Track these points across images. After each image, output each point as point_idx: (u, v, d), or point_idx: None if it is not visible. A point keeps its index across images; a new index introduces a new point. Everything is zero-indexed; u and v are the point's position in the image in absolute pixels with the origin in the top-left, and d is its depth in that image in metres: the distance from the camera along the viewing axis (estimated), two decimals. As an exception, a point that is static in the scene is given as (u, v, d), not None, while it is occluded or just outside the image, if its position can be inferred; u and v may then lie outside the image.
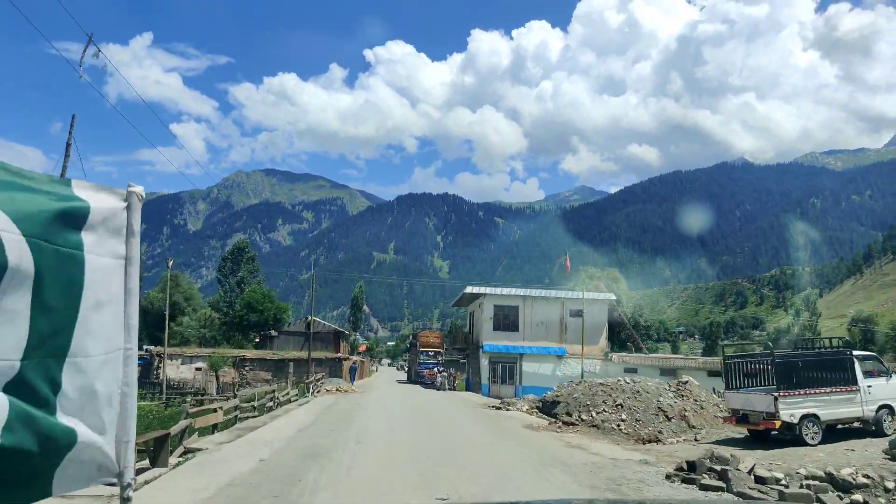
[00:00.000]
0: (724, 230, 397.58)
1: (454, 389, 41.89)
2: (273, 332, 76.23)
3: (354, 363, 51.73)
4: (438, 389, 42.06)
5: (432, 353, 54.21)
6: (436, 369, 53.17)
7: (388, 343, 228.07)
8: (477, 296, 43.04)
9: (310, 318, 76.41)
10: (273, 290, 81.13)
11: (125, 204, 2.52)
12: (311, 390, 35.23)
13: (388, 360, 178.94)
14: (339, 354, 66.10)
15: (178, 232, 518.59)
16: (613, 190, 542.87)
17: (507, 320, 41.75)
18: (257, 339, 73.20)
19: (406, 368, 74.22)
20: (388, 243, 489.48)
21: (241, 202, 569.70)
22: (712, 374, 40.74)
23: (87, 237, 2.33)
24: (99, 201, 2.42)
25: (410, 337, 65.37)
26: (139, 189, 2.58)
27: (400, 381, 60.83)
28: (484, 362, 41.62)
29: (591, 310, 41.39)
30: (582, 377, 32.26)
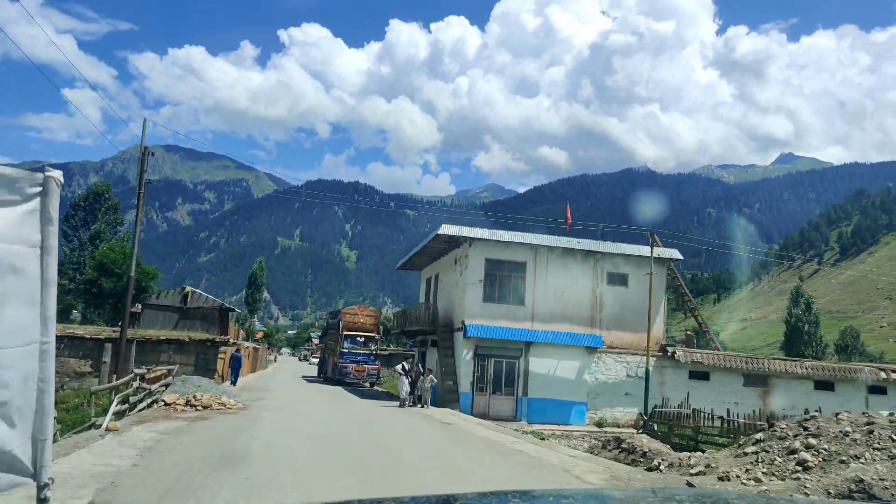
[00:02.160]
0: (627, 235, 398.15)
1: (423, 405, 23.20)
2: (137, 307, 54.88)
3: (238, 350, 32.06)
4: (403, 404, 23.23)
5: (362, 340, 35.35)
6: (368, 363, 34.38)
7: (289, 332, 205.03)
8: (455, 242, 24.66)
9: (187, 287, 55.58)
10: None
11: (39, 189, 2.32)
12: (131, 405, 15.55)
13: (289, 350, 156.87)
14: (222, 337, 45.66)
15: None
16: (522, 189, 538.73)
17: (505, 287, 23.90)
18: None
19: (318, 360, 53.88)
20: (294, 229, 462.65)
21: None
22: (820, 385, 24.31)
23: None
24: (7, 186, 2.16)
25: (327, 316, 45.31)
26: (57, 174, 2.39)
27: (309, 379, 41.56)
28: (465, 354, 23.37)
29: (638, 276, 24.21)
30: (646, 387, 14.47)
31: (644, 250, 24.61)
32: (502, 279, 24.36)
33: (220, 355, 33.15)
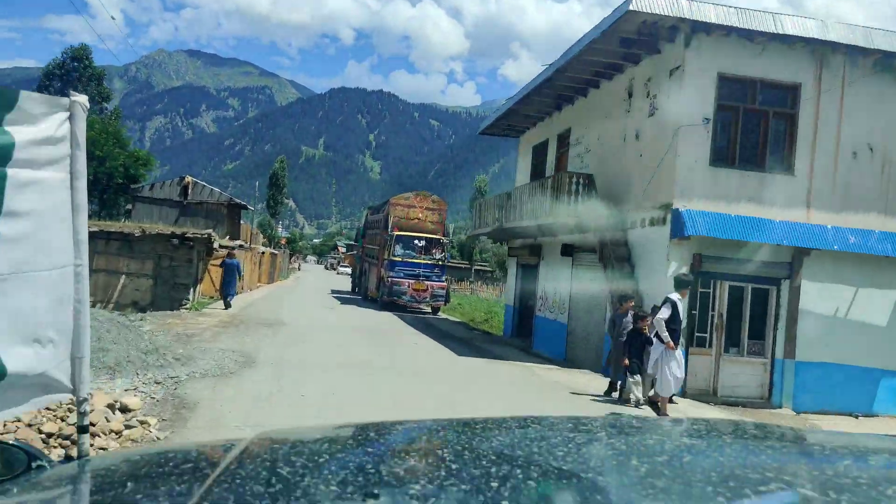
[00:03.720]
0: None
1: (635, 398, 9.57)
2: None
3: (231, 256, 19.45)
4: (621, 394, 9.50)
5: (422, 243, 22.78)
6: (432, 278, 22.11)
7: (315, 240, 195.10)
8: (633, 57, 11.23)
9: (187, 178, 43.26)
10: (126, 132, 46.12)
11: (67, 114, 2.24)
12: None
13: (315, 258, 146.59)
14: (198, 233, 33.63)
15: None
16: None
17: (751, 137, 11.14)
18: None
19: (352, 271, 41.70)
20: (318, 138, 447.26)
21: (161, 83, 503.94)
22: None
23: (19, 152, 2.05)
24: (25, 107, 2.10)
25: (367, 213, 31.84)
26: (83, 98, 2.30)
27: (342, 297, 29.60)
28: (669, 271, 10.73)
29: None
30: None
31: None
32: (748, 120, 11.40)
33: (212, 262, 21.12)
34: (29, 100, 2.13)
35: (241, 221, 52.89)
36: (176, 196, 43.93)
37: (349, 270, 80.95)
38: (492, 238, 20.14)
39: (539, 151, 18.65)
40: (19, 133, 2.06)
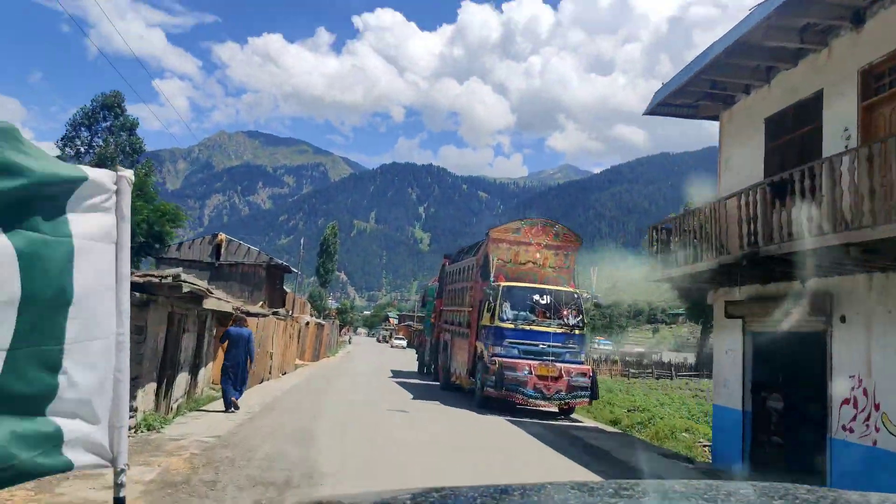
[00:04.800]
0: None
1: None
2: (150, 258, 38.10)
3: (240, 324, 11.63)
4: None
5: (547, 302, 13.96)
6: (568, 359, 13.09)
7: (365, 312, 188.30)
8: None
9: (220, 235, 36.83)
10: (154, 184, 39.72)
11: (115, 188, 2.33)
12: None
13: (365, 330, 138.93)
14: (268, 310, 25.68)
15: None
16: (598, 170, 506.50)
17: None
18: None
19: (417, 345, 32.31)
20: (369, 212, 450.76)
21: (221, 163, 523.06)
22: None
23: (75, 223, 2.14)
24: (89, 185, 2.22)
25: (445, 262, 22.35)
26: (128, 173, 2.40)
27: (407, 383, 20.80)
28: None
29: None
30: None
31: None
32: None
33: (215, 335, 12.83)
34: (76, 171, 2.19)
35: (285, 288, 45.35)
36: (207, 256, 36.63)
37: (404, 343, 72.30)
38: (692, 282, 11.03)
39: (784, 123, 9.97)
40: (79, 205, 2.16)
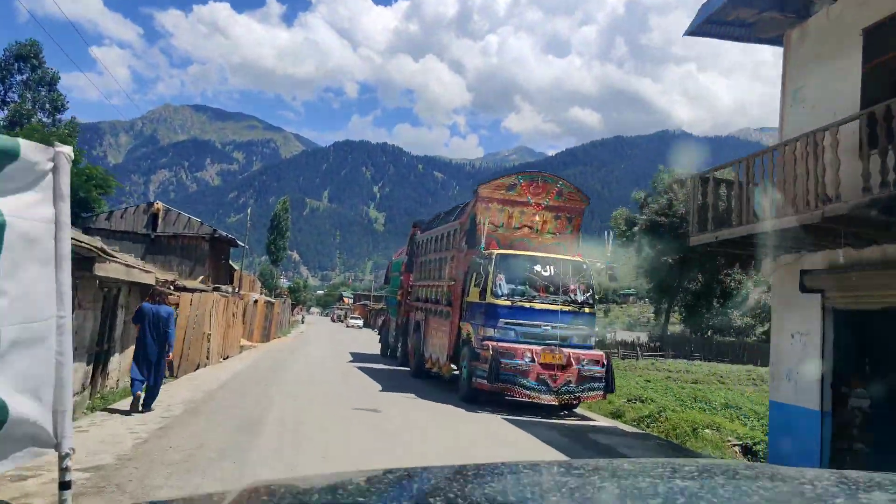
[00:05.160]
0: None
1: None
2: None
3: (158, 300, 8.58)
4: None
5: (550, 274, 11.23)
6: (576, 344, 10.44)
7: (319, 292, 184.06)
8: None
9: (157, 204, 33.11)
10: (78, 145, 35.25)
11: (51, 165, 2.24)
12: None
13: (319, 310, 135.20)
14: (208, 286, 22.26)
15: (95, 164, 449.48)
16: (553, 152, 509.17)
17: None
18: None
19: (380, 326, 28.95)
20: (322, 190, 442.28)
21: (167, 137, 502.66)
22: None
23: (7, 201, 2.06)
24: (22, 161, 2.12)
25: (416, 231, 19.62)
26: (67, 149, 2.31)
27: (371, 368, 18.03)
28: None
29: None
30: None
31: None
32: None
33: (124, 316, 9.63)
34: (28, 149, 2.12)
35: (233, 264, 41.60)
36: (142, 227, 32.78)
37: (360, 322, 69.01)
38: (762, 245, 8.37)
39: (893, 33, 7.47)
40: (11, 182, 2.04)
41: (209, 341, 15.86)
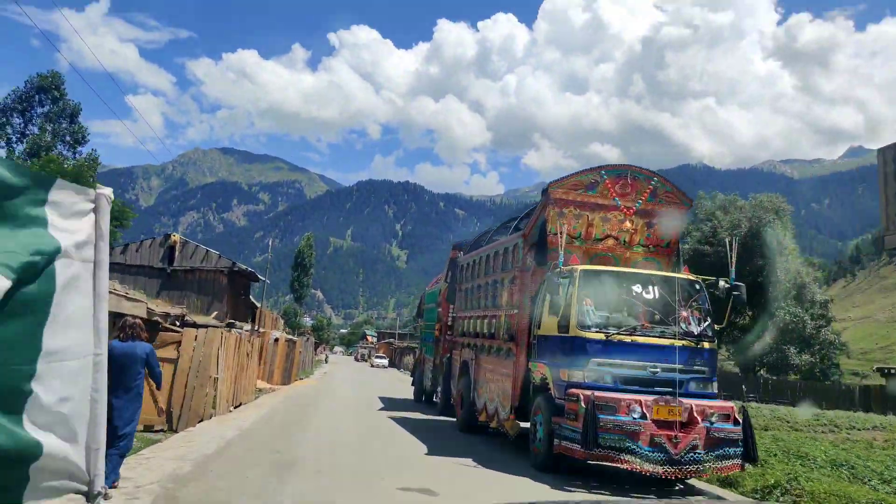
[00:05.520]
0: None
1: None
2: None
3: (132, 335, 6.29)
4: None
5: (655, 297, 8.34)
6: (692, 388, 7.35)
7: (342, 330, 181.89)
8: None
9: (174, 236, 31.05)
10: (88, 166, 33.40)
11: (93, 206, 2.31)
12: None
13: (342, 348, 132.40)
14: (221, 321, 19.69)
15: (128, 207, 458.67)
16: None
17: None
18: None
19: (414, 366, 25.62)
20: (345, 229, 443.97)
21: (196, 180, 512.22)
22: None
23: (60, 236, 2.12)
24: (67, 205, 2.20)
25: (458, 253, 16.83)
26: (108, 191, 2.38)
27: (407, 418, 15.08)
28: None
29: None
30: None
31: None
32: None
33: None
34: (61, 189, 2.17)
35: (255, 301, 39.21)
36: (158, 261, 30.62)
37: (385, 362, 65.79)
38: None
39: None
40: (57, 222, 2.12)
41: (216, 387, 13.14)
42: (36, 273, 1.97)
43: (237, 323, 20.28)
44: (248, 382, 16.57)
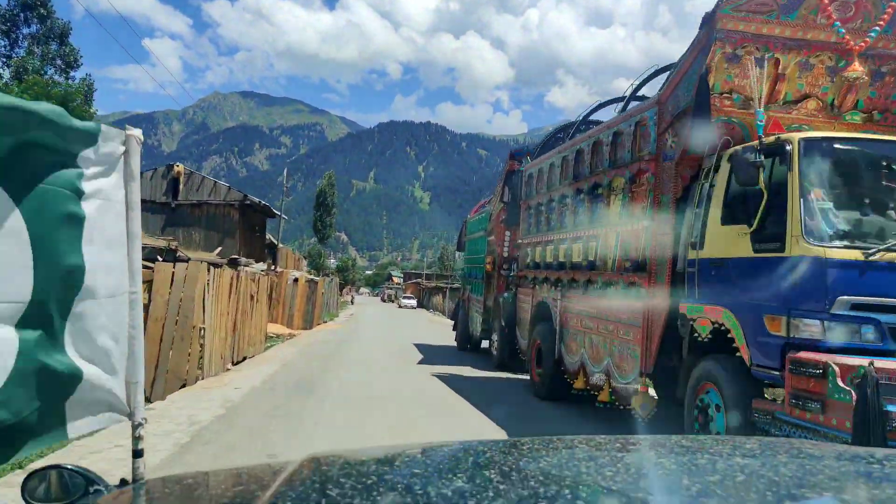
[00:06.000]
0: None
1: None
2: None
3: None
4: None
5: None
6: None
7: (367, 272, 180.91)
8: None
9: (177, 166, 27.54)
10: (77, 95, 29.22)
11: (123, 148, 2.32)
12: None
13: (368, 289, 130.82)
14: (216, 257, 16.12)
15: (151, 153, 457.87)
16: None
17: None
18: None
19: (455, 309, 21.82)
20: (368, 171, 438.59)
21: (217, 124, 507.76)
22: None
23: (86, 181, 2.15)
24: (100, 144, 2.21)
25: (520, 160, 13.60)
26: (137, 132, 2.39)
27: (459, 377, 11.81)
28: None
29: None
30: None
31: None
32: None
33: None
34: (105, 133, 2.20)
35: (275, 240, 35.89)
36: (161, 195, 27.22)
37: (413, 302, 62.96)
38: None
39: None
40: (88, 165, 2.15)
41: (202, 340, 9.66)
42: (71, 216, 2.03)
43: (244, 260, 16.78)
44: (253, 331, 13.16)
